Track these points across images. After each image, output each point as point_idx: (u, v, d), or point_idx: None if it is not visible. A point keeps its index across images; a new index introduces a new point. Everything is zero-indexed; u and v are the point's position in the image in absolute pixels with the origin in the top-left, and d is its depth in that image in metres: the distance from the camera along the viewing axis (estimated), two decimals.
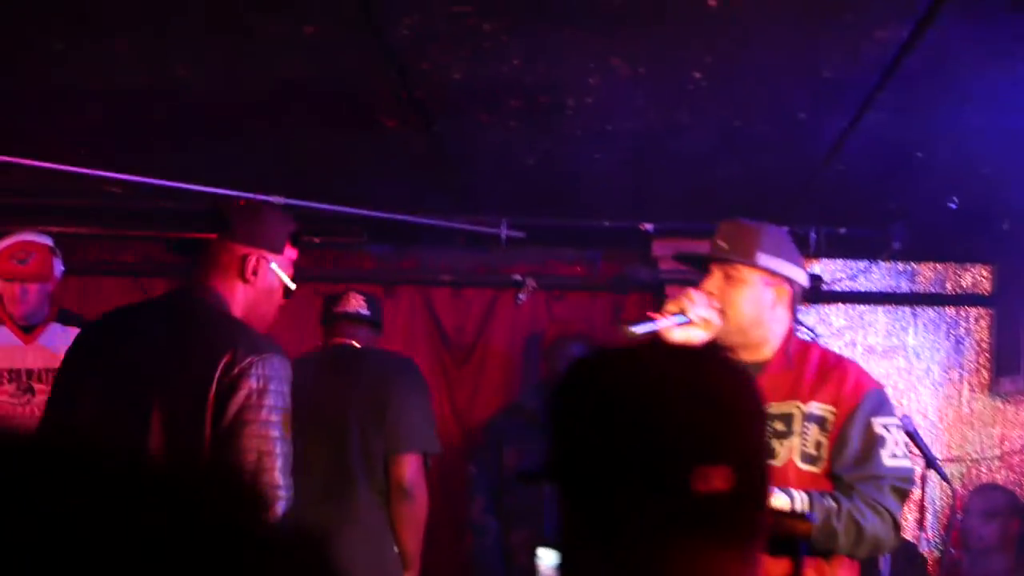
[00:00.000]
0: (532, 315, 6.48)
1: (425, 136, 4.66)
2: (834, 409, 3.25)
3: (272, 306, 3.39)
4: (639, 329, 3.22)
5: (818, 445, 3.25)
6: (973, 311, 6.37)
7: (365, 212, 5.69)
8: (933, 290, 6.38)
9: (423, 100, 4.22)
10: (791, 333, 3.40)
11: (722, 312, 3.31)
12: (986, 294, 6.34)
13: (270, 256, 3.33)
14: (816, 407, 3.26)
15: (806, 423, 3.26)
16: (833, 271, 6.37)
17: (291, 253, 3.42)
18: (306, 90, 4.19)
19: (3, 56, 3.99)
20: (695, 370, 1.49)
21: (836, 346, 6.39)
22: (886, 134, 4.35)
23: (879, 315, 6.41)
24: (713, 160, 4.84)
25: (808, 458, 3.24)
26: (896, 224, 5.76)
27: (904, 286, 6.38)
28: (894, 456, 3.24)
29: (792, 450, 3.25)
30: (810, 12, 3.36)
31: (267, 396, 3.05)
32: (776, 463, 3.21)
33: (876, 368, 6.34)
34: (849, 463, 3.22)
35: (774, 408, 3.23)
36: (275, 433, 3.04)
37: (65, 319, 5.08)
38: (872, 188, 5.16)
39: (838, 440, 3.23)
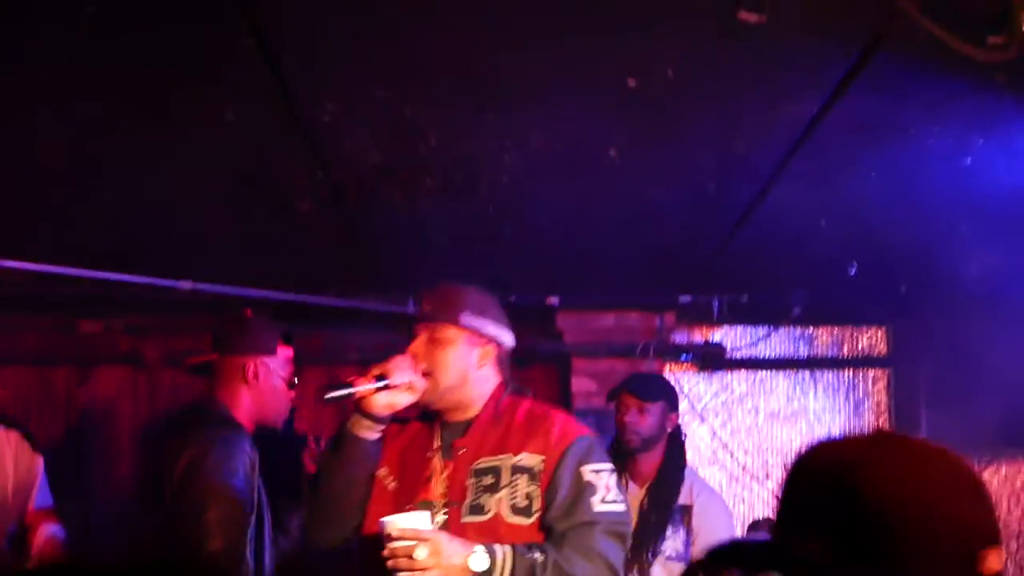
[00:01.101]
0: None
1: (339, 217, 4.68)
2: (543, 458, 3.19)
3: (280, 401, 3.88)
4: (337, 393, 3.20)
5: (528, 496, 3.18)
6: (871, 373, 6.53)
7: (271, 294, 5.66)
8: (831, 353, 6.54)
9: (340, 182, 4.24)
10: (500, 390, 3.33)
11: (428, 374, 3.23)
12: (882, 355, 6.51)
13: (267, 359, 3.82)
14: (525, 457, 3.20)
15: (515, 475, 3.21)
16: (734, 338, 6.49)
17: (285, 352, 3.89)
18: (225, 173, 4.19)
19: None
20: (944, 459, 1.53)
21: (738, 412, 6.52)
22: (792, 203, 4.48)
23: (780, 380, 6.55)
24: (623, 232, 4.93)
25: (518, 511, 3.18)
26: (796, 290, 5.91)
27: (803, 351, 6.54)
28: (604, 501, 3.18)
29: (500, 503, 3.18)
30: (725, 88, 3.46)
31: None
32: (485, 518, 3.17)
33: (779, 433, 6.49)
34: (560, 512, 3.15)
35: (482, 463, 3.21)
36: None
37: None
38: (775, 255, 5.28)
39: (548, 489, 3.17)
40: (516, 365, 6.36)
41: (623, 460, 4.70)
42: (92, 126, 3.86)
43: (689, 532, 4.68)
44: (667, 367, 6.47)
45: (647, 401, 4.77)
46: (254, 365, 3.80)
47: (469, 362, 3.27)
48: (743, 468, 6.48)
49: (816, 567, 1.47)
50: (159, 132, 3.85)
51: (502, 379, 3.35)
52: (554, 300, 6.10)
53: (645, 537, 4.61)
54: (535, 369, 6.55)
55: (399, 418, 3.33)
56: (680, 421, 4.91)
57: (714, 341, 6.52)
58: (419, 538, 2.98)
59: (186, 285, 5.32)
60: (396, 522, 3.01)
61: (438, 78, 3.42)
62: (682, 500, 4.73)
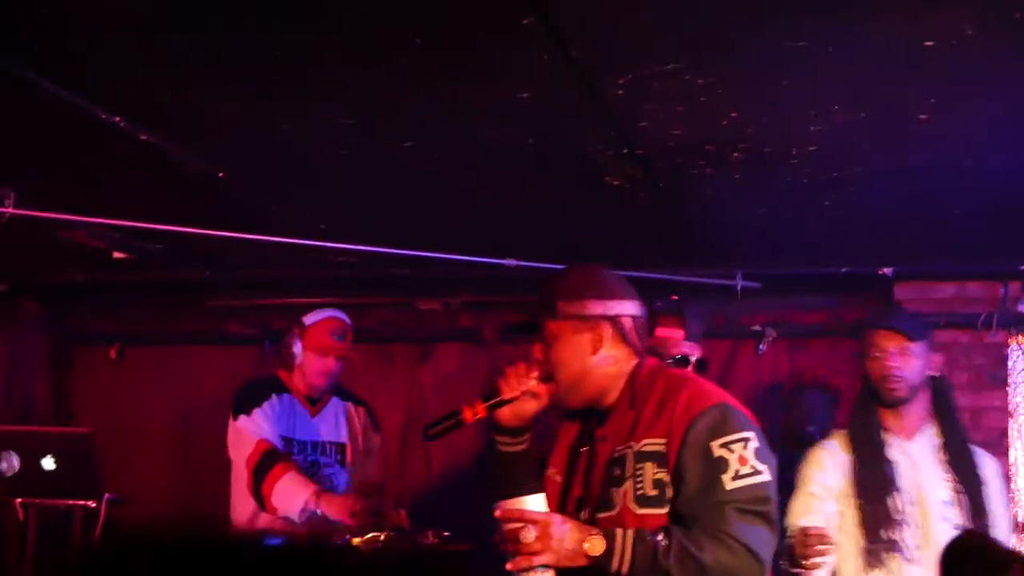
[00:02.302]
0: (773, 365, 6.40)
1: (651, 192, 4.69)
2: (666, 441, 2.93)
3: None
4: (439, 428, 3.04)
5: (658, 484, 2.93)
6: None
7: None
8: None
9: (645, 157, 4.25)
10: (636, 368, 3.11)
11: (550, 377, 3.07)
12: None
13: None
14: (648, 443, 2.96)
15: (639, 463, 2.96)
16: None
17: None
18: (529, 155, 4.27)
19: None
20: None
21: None
22: None
23: None
24: (947, 200, 4.72)
25: (647, 501, 2.94)
26: None
27: None
28: (738, 476, 2.87)
29: (626, 495, 2.96)
30: None
31: None
32: (612, 512, 2.97)
33: None
34: (688, 496, 2.89)
35: (616, 453, 3.01)
36: None
37: (341, 394, 5.28)
38: None
39: (675, 474, 2.91)
40: (854, 337, 6.29)
41: (877, 413, 4.14)
42: (399, 123, 4.03)
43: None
44: (1012, 340, 6.15)
45: (914, 340, 4.10)
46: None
47: (582, 351, 3.08)
48: None
49: None
50: (461, 122, 3.98)
51: (634, 352, 3.14)
52: (888, 271, 5.90)
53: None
54: None
55: (568, 414, 3.24)
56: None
57: None
58: (526, 519, 2.89)
59: (511, 263, 5.47)
60: (503, 504, 2.94)
61: (727, 52, 3.37)
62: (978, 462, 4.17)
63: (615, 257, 5.55)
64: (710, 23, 3.20)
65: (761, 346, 6.40)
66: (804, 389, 5.56)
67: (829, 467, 4.09)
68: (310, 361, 5.09)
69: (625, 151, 4.18)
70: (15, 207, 4.54)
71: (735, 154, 4.21)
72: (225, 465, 5.02)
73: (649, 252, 5.72)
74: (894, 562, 3.97)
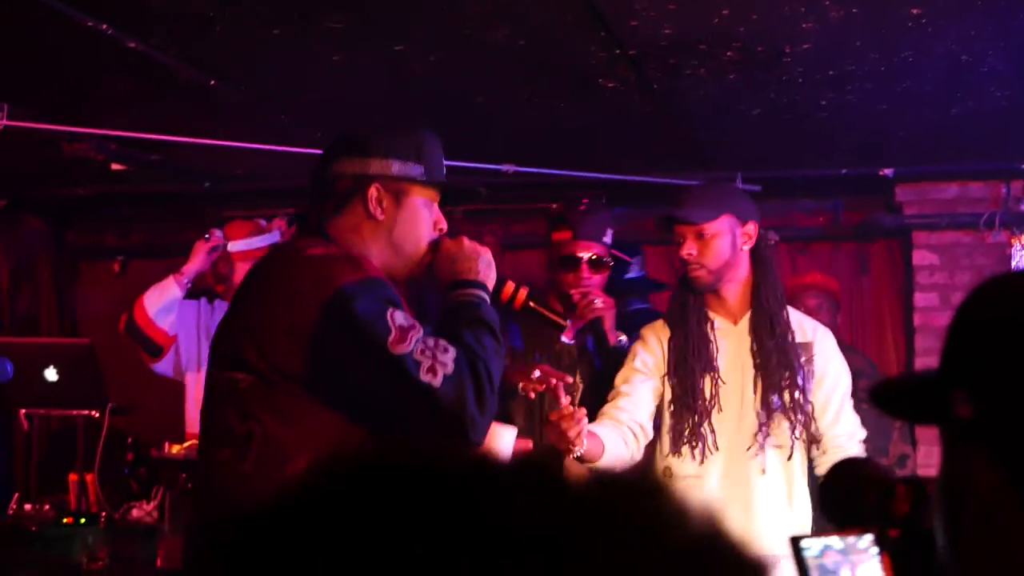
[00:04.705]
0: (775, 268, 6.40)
1: (647, 95, 4.66)
2: None
3: None
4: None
5: None
6: None
7: (600, 175, 5.72)
8: None
9: (637, 58, 4.21)
10: None
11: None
12: None
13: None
14: None
15: None
16: None
17: None
18: (522, 59, 4.24)
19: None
20: None
21: None
22: None
23: None
24: (946, 98, 4.68)
25: None
26: None
27: None
28: None
29: None
30: None
31: None
32: None
33: None
34: None
35: None
36: None
37: None
38: None
39: None
40: (856, 240, 6.27)
41: (696, 297, 3.81)
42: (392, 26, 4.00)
43: (809, 377, 3.80)
44: (1015, 240, 6.13)
45: (699, 223, 3.71)
46: None
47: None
48: None
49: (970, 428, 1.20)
50: (451, 25, 3.94)
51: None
52: (888, 172, 5.86)
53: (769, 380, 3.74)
54: (876, 244, 6.37)
55: None
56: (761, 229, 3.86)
57: None
58: None
59: (509, 168, 5.46)
60: None
61: None
62: (796, 337, 3.81)
63: (615, 163, 5.57)
64: None
65: None
66: (804, 291, 5.55)
67: (653, 344, 3.91)
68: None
69: (617, 52, 4.14)
70: (8, 119, 4.54)
71: (728, 53, 4.17)
72: None
73: (649, 157, 5.69)
74: (696, 448, 3.73)
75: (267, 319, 2.57)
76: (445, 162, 2.91)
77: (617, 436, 3.69)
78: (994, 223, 5.96)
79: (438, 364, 2.50)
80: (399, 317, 2.53)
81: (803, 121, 5.00)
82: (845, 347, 5.62)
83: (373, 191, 2.74)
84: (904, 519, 1.49)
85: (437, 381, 2.49)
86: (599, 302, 3.98)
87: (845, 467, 1.69)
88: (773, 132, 5.20)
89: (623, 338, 4.09)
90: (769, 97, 4.69)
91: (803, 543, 1.47)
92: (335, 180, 2.76)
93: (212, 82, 4.50)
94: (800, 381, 3.77)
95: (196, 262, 4.77)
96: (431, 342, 2.53)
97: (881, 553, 1.46)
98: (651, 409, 3.82)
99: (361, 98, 4.75)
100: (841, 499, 1.63)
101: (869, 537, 1.48)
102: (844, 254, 6.38)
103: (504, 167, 5.43)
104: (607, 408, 3.78)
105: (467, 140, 5.31)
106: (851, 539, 1.47)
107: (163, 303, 4.71)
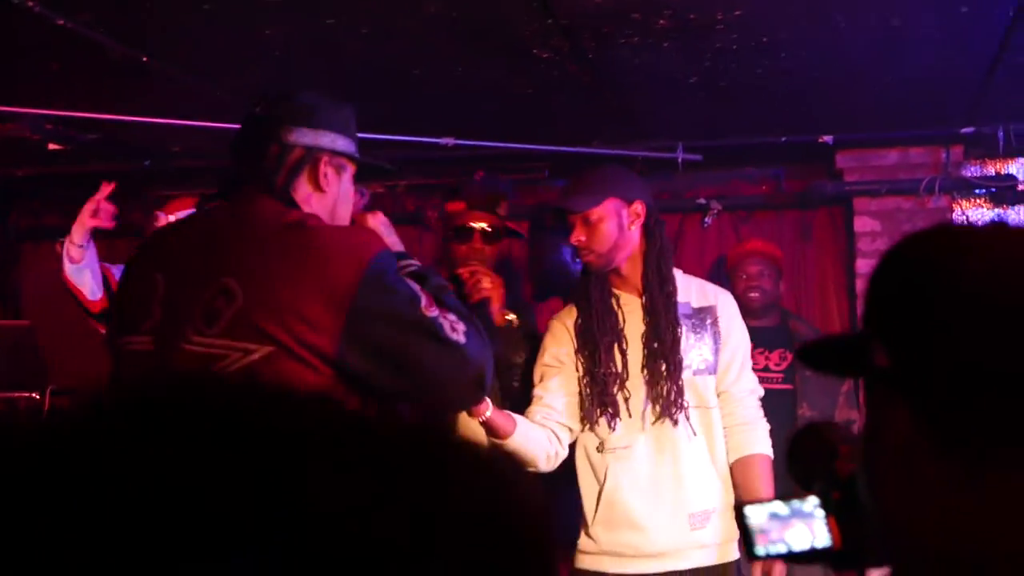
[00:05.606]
0: (719, 237, 6.44)
1: (583, 64, 4.65)
2: None
3: None
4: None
5: None
6: None
7: (540, 147, 5.72)
8: None
9: (570, 28, 4.21)
10: None
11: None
12: None
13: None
14: None
15: None
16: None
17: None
18: (456, 29, 4.22)
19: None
20: None
21: None
22: None
23: None
24: (880, 64, 4.70)
25: None
26: None
27: None
28: None
29: None
30: None
31: None
32: None
33: None
34: None
35: None
36: None
37: None
38: None
39: None
40: (798, 208, 6.30)
41: (599, 277, 3.84)
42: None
43: (716, 338, 3.87)
44: (955, 205, 6.18)
45: (580, 210, 3.76)
46: None
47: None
48: None
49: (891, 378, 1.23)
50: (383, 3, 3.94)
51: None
52: (828, 139, 5.90)
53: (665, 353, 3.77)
54: (818, 212, 6.40)
55: None
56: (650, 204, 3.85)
57: (1007, 173, 6.17)
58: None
59: (448, 142, 5.45)
60: None
61: None
62: (697, 302, 3.89)
63: (557, 134, 5.57)
64: None
65: (707, 219, 6.43)
66: (747, 258, 5.57)
67: (559, 332, 3.94)
68: None
69: (549, 21, 4.14)
70: None
71: (661, 22, 4.17)
72: None
73: (590, 129, 5.70)
74: (609, 417, 3.77)
75: (293, 288, 2.51)
76: (387, 136, 2.94)
77: (537, 429, 3.72)
78: (934, 188, 6.00)
79: (456, 324, 2.63)
80: (415, 284, 2.64)
81: (740, 89, 5.01)
82: (791, 315, 5.71)
83: (323, 164, 2.75)
84: (848, 479, 1.51)
85: (463, 339, 2.62)
86: (486, 282, 3.94)
87: (808, 431, 1.70)
88: (711, 101, 5.21)
89: (511, 316, 4.06)
90: (704, 66, 4.70)
91: (747, 510, 1.48)
92: (290, 149, 2.75)
93: (144, 59, 4.47)
94: (712, 342, 3.84)
95: (80, 227, 4.83)
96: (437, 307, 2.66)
97: (827, 516, 1.48)
98: (571, 399, 3.84)
99: (296, 73, 4.72)
100: (801, 462, 1.65)
101: (814, 500, 1.49)
102: (787, 222, 6.41)
103: (443, 140, 5.42)
104: (528, 412, 3.79)
105: (406, 114, 5.31)
106: (796, 503, 1.49)
107: (72, 269, 4.72)
